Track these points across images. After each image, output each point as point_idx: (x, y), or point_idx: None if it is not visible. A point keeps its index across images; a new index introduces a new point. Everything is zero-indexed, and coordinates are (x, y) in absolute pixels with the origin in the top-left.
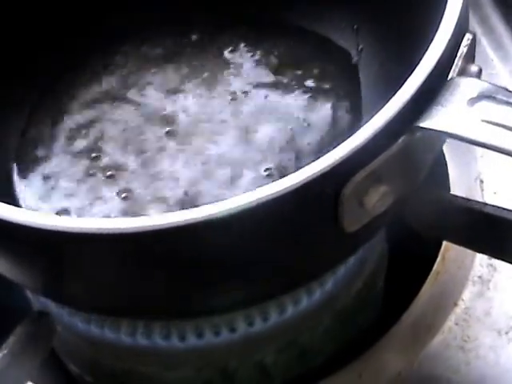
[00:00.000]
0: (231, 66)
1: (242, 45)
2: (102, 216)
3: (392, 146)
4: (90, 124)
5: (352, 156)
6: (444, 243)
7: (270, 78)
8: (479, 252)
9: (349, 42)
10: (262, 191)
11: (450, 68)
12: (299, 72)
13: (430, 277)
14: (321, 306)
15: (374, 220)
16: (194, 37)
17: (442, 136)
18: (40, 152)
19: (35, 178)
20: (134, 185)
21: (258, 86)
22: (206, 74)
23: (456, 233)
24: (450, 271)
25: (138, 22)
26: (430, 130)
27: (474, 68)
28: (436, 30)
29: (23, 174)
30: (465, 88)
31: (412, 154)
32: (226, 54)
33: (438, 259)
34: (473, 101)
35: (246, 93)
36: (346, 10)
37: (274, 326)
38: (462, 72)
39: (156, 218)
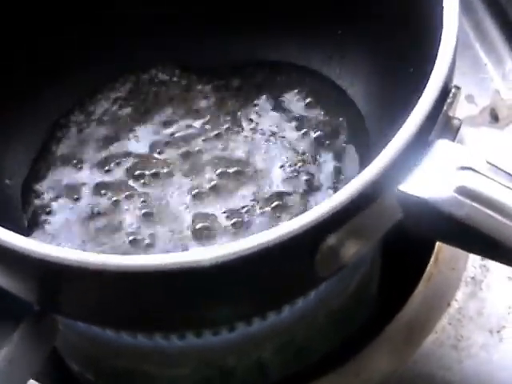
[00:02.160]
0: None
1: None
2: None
3: (371, 205)
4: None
5: (331, 215)
6: (437, 244)
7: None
8: (471, 253)
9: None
10: (245, 243)
11: (433, 128)
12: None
13: (423, 278)
14: (316, 306)
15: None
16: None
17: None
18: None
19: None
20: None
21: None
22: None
23: (446, 234)
24: (444, 272)
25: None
26: (409, 194)
27: (455, 122)
28: (424, 80)
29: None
30: (446, 154)
31: (390, 210)
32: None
33: (432, 260)
34: (453, 169)
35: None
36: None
37: (272, 325)
38: (445, 126)
39: (152, 258)
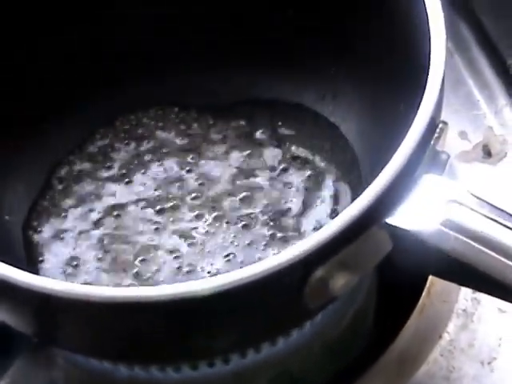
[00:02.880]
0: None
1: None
2: None
3: (360, 238)
4: None
5: (318, 249)
6: (430, 278)
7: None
8: (460, 285)
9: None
10: (232, 276)
11: (420, 163)
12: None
13: (416, 310)
14: (312, 337)
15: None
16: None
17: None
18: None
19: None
20: None
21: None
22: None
23: (434, 267)
24: (436, 305)
25: None
26: (396, 227)
27: (443, 156)
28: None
29: None
30: (433, 188)
31: (379, 242)
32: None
33: (424, 293)
34: (440, 202)
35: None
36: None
37: (267, 357)
38: (432, 161)
39: (148, 290)
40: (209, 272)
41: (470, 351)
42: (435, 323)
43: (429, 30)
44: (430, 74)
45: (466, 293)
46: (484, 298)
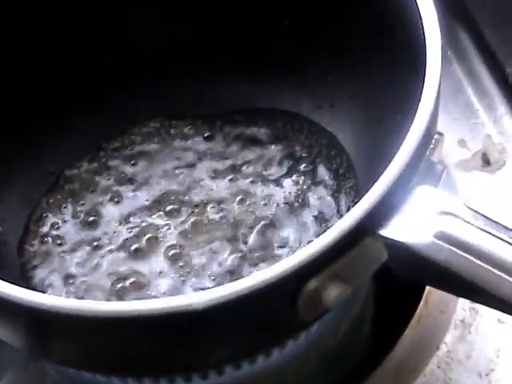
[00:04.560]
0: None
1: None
2: None
3: (353, 249)
4: None
5: (311, 260)
6: (427, 288)
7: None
8: (457, 296)
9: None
10: (226, 289)
11: (415, 174)
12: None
13: (412, 320)
14: (307, 348)
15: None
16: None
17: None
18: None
19: None
20: None
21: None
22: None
23: (429, 278)
24: (433, 315)
25: None
26: (390, 239)
27: (438, 167)
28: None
29: None
30: (427, 200)
31: (373, 253)
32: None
33: (421, 303)
34: (434, 214)
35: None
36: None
37: (261, 368)
38: (428, 172)
39: (141, 304)
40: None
41: (468, 363)
42: (432, 334)
43: (425, 41)
44: (425, 84)
45: (464, 303)
46: (482, 308)
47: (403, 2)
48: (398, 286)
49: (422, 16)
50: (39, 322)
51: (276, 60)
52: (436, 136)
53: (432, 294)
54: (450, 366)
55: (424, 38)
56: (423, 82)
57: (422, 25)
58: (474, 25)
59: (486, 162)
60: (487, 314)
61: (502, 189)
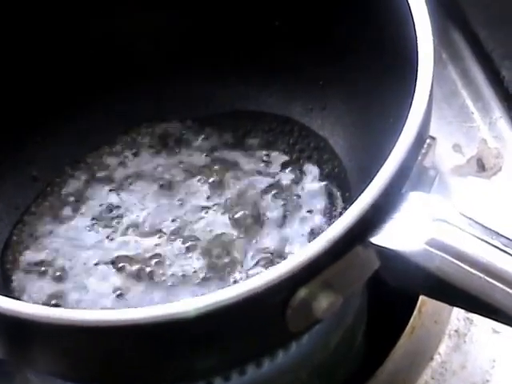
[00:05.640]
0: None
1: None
2: None
3: (344, 257)
4: None
5: (303, 267)
6: (420, 297)
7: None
8: (449, 304)
9: None
10: (215, 296)
11: (407, 180)
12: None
13: (406, 331)
14: (298, 359)
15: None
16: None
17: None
18: None
19: None
20: None
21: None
22: None
23: (421, 286)
24: (427, 325)
25: None
26: (381, 247)
27: (431, 173)
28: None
29: None
30: (419, 206)
31: (364, 261)
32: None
33: (415, 313)
34: (426, 221)
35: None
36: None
37: (251, 380)
38: (420, 177)
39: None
40: None
41: (463, 373)
42: (426, 344)
43: (417, 43)
44: (416, 88)
45: (458, 312)
46: (477, 318)
47: (395, 5)
48: (391, 296)
49: (414, 18)
50: (22, 331)
51: (266, 63)
52: (428, 140)
53: (426, 304)
54: (445, 377)
55: (416, 40)
56: (415, 84)
57: (414, 27)
58: (469, 27)
59: (481, 167)
60: (482, 324)
61: (498, 195)
